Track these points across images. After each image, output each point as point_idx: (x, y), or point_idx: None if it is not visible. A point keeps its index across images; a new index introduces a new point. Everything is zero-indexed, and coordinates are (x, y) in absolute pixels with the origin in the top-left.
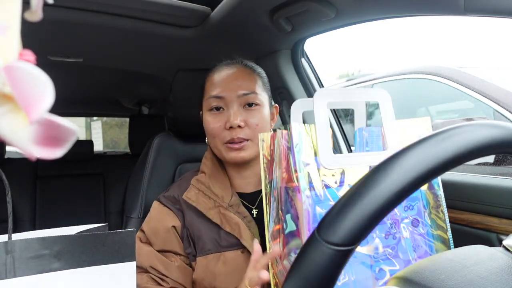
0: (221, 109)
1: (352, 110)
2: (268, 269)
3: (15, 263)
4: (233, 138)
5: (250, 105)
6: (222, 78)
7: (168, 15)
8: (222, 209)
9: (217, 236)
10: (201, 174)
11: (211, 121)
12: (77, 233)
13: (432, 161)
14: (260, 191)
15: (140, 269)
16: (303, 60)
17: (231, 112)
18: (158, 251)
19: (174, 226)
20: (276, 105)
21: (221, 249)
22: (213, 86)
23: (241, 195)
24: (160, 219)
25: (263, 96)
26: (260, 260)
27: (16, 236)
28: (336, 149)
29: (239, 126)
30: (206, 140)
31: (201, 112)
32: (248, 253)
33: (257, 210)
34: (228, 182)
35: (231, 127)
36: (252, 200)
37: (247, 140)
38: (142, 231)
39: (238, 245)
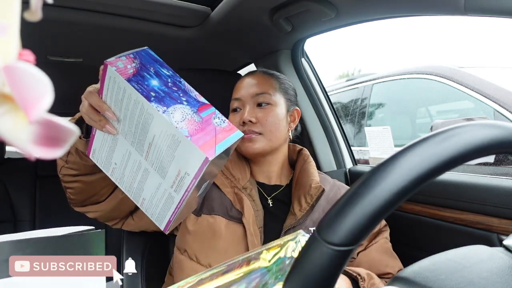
0: (238, 110)
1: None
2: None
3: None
4: (245, 131)
5: (261, 104)
6: (242, 83)
7: (168, 15)
8: (236, 189)
9: (228, 208)
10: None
11: (231, 120)
12: (70, 233)
13: (432, 161)
14: (280, 185)
15: None
16: (303, 60)
17: (245, 110)
18: None
19: None
20: (297, 108)
21: (229, 218)
22: (235, 91)
23: (261, 185)
24: None
25: (277, 97)
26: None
27: None
28: (336, 149)
29: (250, 121)
30: None
31: None
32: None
33: (272, 201)
34: (248, 169)
35: (244, 123)
36: (270, 191)
37: (259, 134)
38: None
39: (241, 222)
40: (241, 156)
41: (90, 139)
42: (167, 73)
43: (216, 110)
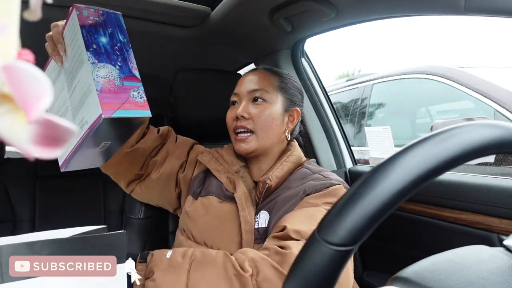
0: (236, 104)
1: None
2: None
3: (3, 269)
4: (237, 126)
5: (256, 99)
6: (243, 79)
7: (168, 15)
8: (229, 174)
9: (222, 190)
10: (220, 149)
11: (228, 114)
12: (73, 235)
13: (432, 161)
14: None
15: None
16: (303, 60)
17: (240, 105)
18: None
19: (185, 161)
20: (298, 108)
21: (222, 198)
22: (236, 86)
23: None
24: (187, 144)
25: (274, 95)
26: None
27: (3, 241)
28: (336, 149)
29: (243, 117)
30: None
31: None
32: (238, 210)
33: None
34: (242, 158)
35: (237, 117)
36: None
37: (251, 132)
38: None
39: (234, 201)
40: None
41: (44, 67)
42: (122, 39)
43: (142, 87)
